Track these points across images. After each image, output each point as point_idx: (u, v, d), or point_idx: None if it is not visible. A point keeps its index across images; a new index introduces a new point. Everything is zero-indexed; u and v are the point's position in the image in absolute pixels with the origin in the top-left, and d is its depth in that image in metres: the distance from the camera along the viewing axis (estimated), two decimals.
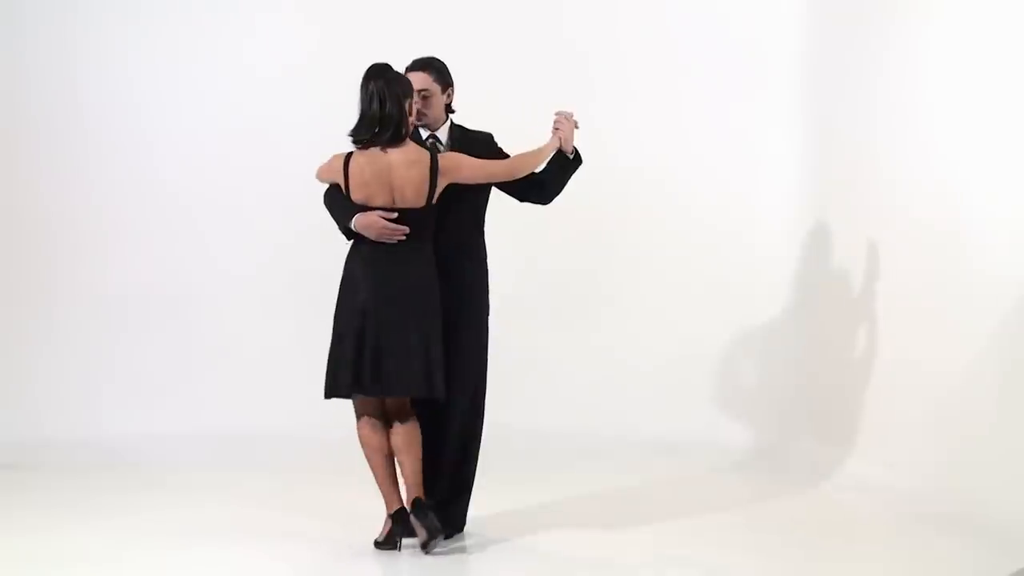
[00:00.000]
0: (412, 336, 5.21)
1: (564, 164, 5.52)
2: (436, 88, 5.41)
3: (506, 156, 5.50)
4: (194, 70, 7.80)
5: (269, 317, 7.74)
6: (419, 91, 5.34)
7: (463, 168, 5.30)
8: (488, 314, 5.58)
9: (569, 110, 5.51)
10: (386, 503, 5.35)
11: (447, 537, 5.46)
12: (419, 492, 5.29)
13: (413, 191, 5.20)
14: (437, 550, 5.29)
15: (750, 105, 7.64)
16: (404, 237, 5.19)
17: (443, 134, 5.49)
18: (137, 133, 7.79)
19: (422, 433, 5.38)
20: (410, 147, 5.24)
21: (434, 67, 5.42)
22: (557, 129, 5.48)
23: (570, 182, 5.58)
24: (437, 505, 5.47)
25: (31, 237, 7.75)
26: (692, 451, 7.29)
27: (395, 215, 5.18)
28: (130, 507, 6.13)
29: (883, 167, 6.65)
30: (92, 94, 7.76)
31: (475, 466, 5.59)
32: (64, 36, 7.72)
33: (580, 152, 5.54)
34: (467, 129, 5.54)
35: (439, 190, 5.25)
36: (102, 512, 6.03)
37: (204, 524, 5.75)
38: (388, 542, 5.34)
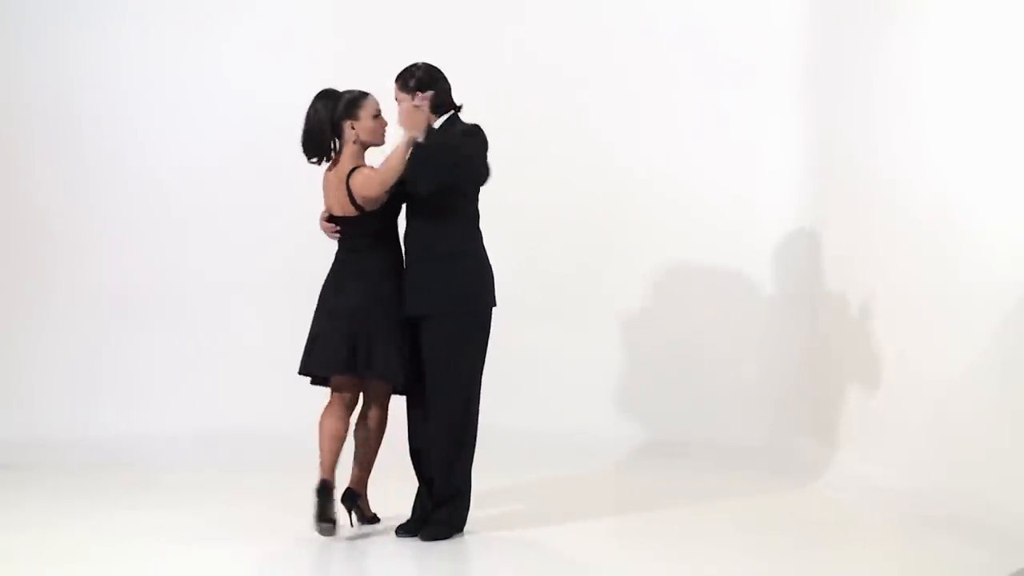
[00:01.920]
0: (374, 326, 5.44)
1: (415, 151, 5.39)
2: (405, 96, 5.49)
3: (480, 145, 5.47)
4: (193, 72, 7.78)
5: (268, 317, 7.72)
6: (396, 99, 5.51)
7: (364, 184, 5.48)
8: (488, 311, 5.55)
9: (418, 96, 5.46)
10: (324, 470, 5.41)
11: (445, 538, 5.46)
12: (360, 486, 5.62)
13: (344, 204, 5.51)
14: (437, 548, 5.32)
15: (750, 106, 7.62)
16: (338, 235, 5.56)
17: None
18: (135, 134, 7.77)
19: (416, 431, 5.53)
20: (342, 165, 5.55)
21: (402, 77, 5.52)
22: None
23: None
24: (435, 506, 5.48)
25: (29, 237, 7.74)
26: (692, 451, 7.29)
27: (326, 214, 5.60)
28: (127, 506, 6.14)
29: (882, 168, 6.64)
30: (89, 94, 7.75)
31: (470, 467, 5.54)
32: (64, 39, 7.71)
33: (432, 129, 5.42)
34: (457, 122, 5.54)
35: (362, 203, 5.45)
36: (99, 511, 6.03)
37: (202, 523, 5.75)
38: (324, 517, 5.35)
